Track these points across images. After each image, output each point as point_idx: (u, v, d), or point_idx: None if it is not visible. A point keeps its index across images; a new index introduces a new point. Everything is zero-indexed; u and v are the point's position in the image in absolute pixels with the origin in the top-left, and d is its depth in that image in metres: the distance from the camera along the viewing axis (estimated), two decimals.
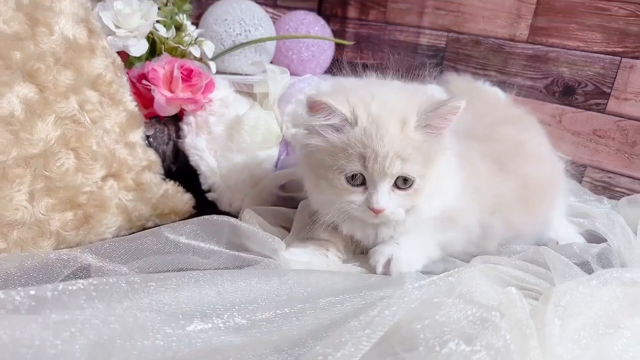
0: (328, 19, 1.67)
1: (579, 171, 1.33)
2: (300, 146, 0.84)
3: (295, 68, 1.45)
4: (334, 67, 1.53)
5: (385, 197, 0.75)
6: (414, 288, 0.66)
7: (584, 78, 1.28)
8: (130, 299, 0.57)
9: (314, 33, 1.44)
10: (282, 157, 1.17)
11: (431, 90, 0.99)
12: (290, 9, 1.54)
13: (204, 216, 0.86)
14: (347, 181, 0.76)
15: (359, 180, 0.76)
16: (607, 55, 1.24)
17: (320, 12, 1.68)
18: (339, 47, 1.64)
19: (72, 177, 0.87)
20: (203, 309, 0.59)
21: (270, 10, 1.53)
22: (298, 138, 0.85)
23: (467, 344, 0.57)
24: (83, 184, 0.89)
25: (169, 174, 1.15)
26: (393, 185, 0.76)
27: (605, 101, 1.26)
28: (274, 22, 1.50)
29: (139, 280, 0.59)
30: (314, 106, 0.75)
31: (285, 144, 1.18)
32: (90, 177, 0.91)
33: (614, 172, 1.28)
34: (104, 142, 0.95)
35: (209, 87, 1.13)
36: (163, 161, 1.18)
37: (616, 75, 1.23)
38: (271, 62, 1.43)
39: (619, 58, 1.23)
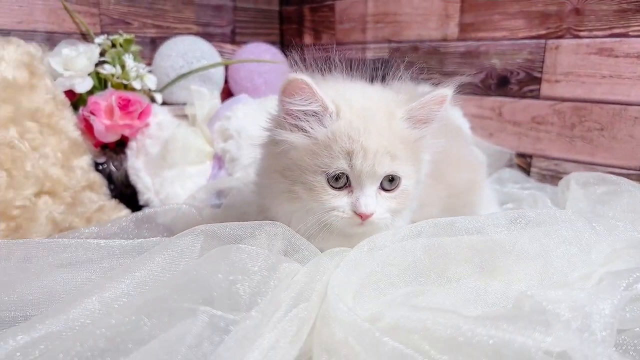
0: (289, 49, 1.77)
1: (525, 162, 1.26)
2: (265, 147, 0.75)
3: (251, 95, 1.55)
4: None
5: (373, 199, 0.67)
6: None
7: (515, 67, 1.24)
8: None
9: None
10: (215, 171, 1.24)
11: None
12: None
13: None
14: (329, 183, 0.68)
15: (342, 182, 0.68)
16: (532, 40, 1.21)
17: (283, 43, 1.80)
18: None
19: (4, 192, 1.01)
20: None
21: (229, 46, 1.67)
22: (262, 138, 0.75)
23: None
24: (14, 199, 1.03)
25: (124, 197, 1.27)
26: (379, 187, 0.69)
27: (538, 86, 1.20)
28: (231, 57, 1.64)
29: None
30: (291, 86, 0.66)
31: (218, 159, 1.26)
32: (22, 192, 1.04)
33: (558, 159, 1.20)
34: (39, 164, 1.09)
35: (146, 112, 1.25)
36: (116, 185, 1.31)
37: (544, 58, 1.18)
38: (228, 92, 1.55)
39: (543, 41, 1.18)
